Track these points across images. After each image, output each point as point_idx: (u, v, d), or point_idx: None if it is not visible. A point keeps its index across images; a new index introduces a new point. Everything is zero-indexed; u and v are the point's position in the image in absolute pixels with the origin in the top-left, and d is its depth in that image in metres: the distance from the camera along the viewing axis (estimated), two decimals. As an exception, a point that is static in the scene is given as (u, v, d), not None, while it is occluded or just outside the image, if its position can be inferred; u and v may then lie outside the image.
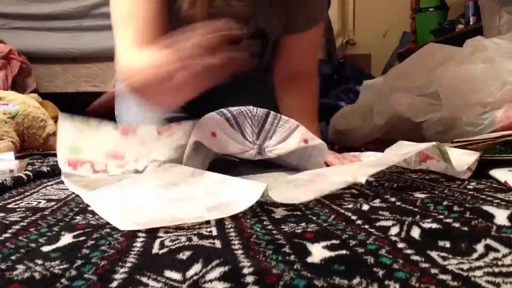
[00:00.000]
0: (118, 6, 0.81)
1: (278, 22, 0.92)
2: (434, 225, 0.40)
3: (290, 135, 0.77)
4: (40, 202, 0.58)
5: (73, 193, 0.65)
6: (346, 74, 1.84)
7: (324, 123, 1.75)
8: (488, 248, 0.34)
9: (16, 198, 0.62)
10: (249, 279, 0.29)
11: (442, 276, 0.29)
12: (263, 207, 0.52)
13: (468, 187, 0.61)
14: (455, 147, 0.75)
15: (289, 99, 0.98)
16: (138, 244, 0.38)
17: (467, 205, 0.46)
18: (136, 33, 0.77)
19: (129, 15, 0.79)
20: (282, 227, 0.43)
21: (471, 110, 1.06)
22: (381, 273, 0.30)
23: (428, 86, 1.18)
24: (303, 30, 0.95)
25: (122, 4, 0.80)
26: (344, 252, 0.34)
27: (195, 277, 0.30)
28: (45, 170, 0.83)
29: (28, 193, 0.66)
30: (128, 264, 0.33)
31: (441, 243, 0.36)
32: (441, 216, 0.44)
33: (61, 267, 0.33)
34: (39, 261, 0.34)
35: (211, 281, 0.29)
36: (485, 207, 0.44)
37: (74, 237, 0.41)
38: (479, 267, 0.31)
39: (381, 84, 1.38)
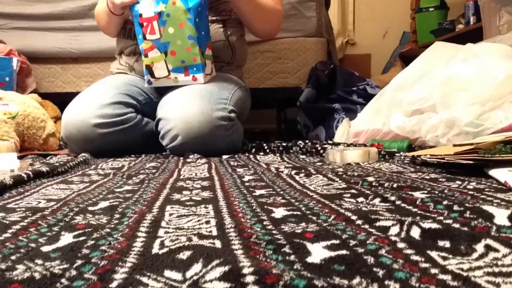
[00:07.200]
0: None
1: None
2: (434, 225, 0.40)
3: None
4: (40, 202, 0.58)
5: (73, 193, 0.65)
6: (337, 80, 1.83)
7: (321, 127, 1.75)
8: (488, 248, 0.34)
9: (16, 198, 0.62)
10: (249, 279, 0.29)
11: (442, 276, 0.29)
12: (263, 207, 0.52)
13: (468, 187, 0.61)
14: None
15: None
16: (138, 244, 0.38)
17: (467, 205, 0.46)
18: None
19: None
20: (282, 227, 0.43)
21: (470, 110, 1.06)
22: (381, 273, 0.30)
23: (427, 98, 1.18)
24: None
25: None
26: (344, 252, 0.34)
27: (195, 277, 0.30)
28: (45, 170, 0.83)
29: (28, 193, 0.66)
30: (128, 264, 0.33)
31: (441, 243, 0.36)
32: (441, 216, 0.44)
33: (61, 267, 0.33)
34: (39, 261, 0.34)
35: (211, 281, 0.29)
36: (485, 207, 0.44)
37: (74, 237, 0.41)
38: (479, 267, 0.31)
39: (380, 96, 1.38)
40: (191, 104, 1.22)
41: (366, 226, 0.42)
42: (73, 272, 0.31)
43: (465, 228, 0.39)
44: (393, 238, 0.38)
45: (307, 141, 1.32)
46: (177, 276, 0.31)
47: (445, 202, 0.48)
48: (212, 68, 1.35)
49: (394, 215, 0.45)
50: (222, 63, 1.49)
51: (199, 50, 1.27)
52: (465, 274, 0.30)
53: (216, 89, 1.30)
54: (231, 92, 1.34)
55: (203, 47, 1.29)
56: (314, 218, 0.46)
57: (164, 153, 1.30)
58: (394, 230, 0.40)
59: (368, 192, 0.59)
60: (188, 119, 1.19)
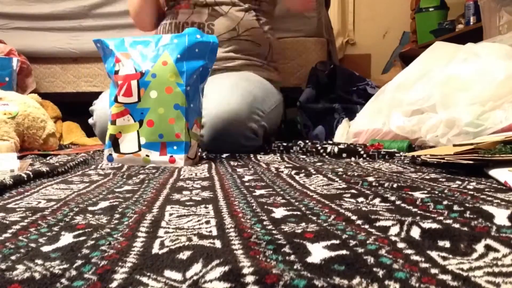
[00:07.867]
0: None
1: None
2: (434, 225, 0.40)
3: None
4: (40, 202, 0.58)
5: (73, 193, 0.65)
6: (337, 80, 1.83)
7: (321, 127, 1.75)
8: (488, 248, 0.34)
9: (16, 198, 0.62)
10: (249, 279, 0.29)
11: (442, 276, 0.29)
12: (263, 207, 0.52)
13: (468, 187, 0.61)
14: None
15: None
16: (138, 244, 0.38)
17: (467, 205, 0.46)
18: None
19: None
20: (282, 227, 0.43)
21: (470, 110, 1.06)
22: (381, 273, 0.30)
23: (427, 98, 1.18)
24: None
25: None
26: (344, 252, 0.34)
27: (195, 277, 0.30)
28: (45, 170, 0.83)
29: (28, 193, 0.66)
30: (128, 264, 0.33)
31: (441, 243, 0.36)
32: (441, 216, 0.44)
33: (61, 267, 0.33)
34: (39, 261, 0.34)
35: (211, 281, 0.29)
36: (485, 207, 0.44)
37: (74, 237, 0.41)
38: (479, 267, 0.31)
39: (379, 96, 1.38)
40: (230, 99, 1.21)
41: (366, 226, 0.42)
42: (73, 272, 0.31)
43: (465, 228, 0.39)
44: (393, 238, 0.38)
45: (307, 141, 1.32)
46: (177, 276, 0.31)
47: (445, 202, 0.48)
48: (197, 154, 1.04)
49: (394, 215, 0.45)
50: (260, 60, 1.46)
51: (185, 125, 0.98)
52: (465, 274, 0.30)
53: (260, 95, 1.28)
54: (271, 107, 1.33)
55: (191, 123, 1.00)
56: (314, 218, 0.46)
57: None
58: (394, 230, 0.40)
59: (368, 192, 0.59)
60: (221, 115, 1.19)
